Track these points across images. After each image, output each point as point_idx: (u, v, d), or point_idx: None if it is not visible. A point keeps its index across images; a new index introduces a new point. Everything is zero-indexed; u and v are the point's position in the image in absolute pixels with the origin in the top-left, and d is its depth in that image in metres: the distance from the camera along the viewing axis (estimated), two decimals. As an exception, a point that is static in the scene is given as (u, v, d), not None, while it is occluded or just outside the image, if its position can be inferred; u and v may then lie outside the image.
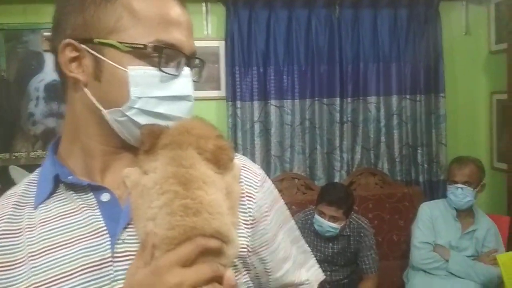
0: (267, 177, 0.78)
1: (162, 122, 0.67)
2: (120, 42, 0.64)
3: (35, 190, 0.69)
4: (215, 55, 2.97)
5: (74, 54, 0.66)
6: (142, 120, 0.66)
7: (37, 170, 0.73)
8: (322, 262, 2.46)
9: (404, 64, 3.11)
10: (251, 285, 0.73)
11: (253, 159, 2.97)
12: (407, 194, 3.05)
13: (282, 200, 0.81)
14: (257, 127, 2.99)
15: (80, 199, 0.66)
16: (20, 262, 0.62)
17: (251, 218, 0.71)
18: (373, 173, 3.12)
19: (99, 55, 0.65)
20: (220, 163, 0.65)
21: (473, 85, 3.28)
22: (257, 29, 2.94)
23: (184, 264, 0.56)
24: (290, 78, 3.01)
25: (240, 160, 0.74)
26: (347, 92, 3.08)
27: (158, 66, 0.65)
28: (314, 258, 0.86)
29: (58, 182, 0.68)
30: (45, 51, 2.67)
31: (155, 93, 0.66)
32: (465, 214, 2.45)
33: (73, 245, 0.62)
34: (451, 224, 2.44)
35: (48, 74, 2.77)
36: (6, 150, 2.77)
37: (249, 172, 0.74)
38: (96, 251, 0.62)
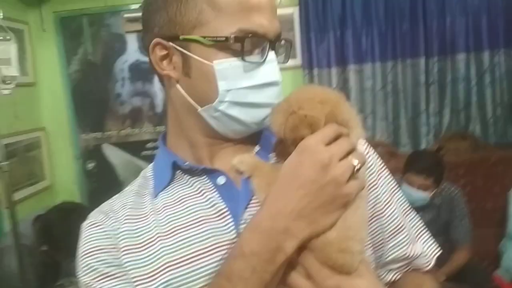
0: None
1: (253, 111, 0.67)
2: (204, 37, 0.64)
3: (151, 183, 0.73)
4: (289, 22, 2.89)
5: (164, 52, 0.67)
6: (235, 112, 0.66)
7: (150, 166, 0.77)
8: (411, 232, 2.37)
9: (496, 16, 2.82)
10: (372, 259, 0.73)
11: (332, 127, 2.90)
12: (503, 157, 2.82)
13: (387, 169, 0.77)
14: (336, 94, 2.89)
15: (198, 182, 0.69)
16: (149, 243, 0.65)
17: None
18: (463, 136, 2.92)
19: (186, 52, 0.65)
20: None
21: None
22: (332, -9, 2.80)
23: (327, 143, 0.57)
24: (370, 40, 2.87)
25: None
26: (432, 50, 2.86)
27: (242, 56, 0.64)
28: (427, 232, 0.79)
29: (175, 169, 0.71)
30: (127, 32, 2.77)
31: (242, 84, 0.65)
32: None
33: (201, 225, 0.65)
34: (556, 191, 2.22)
35: (131, 55, 2.88)
36: (99, 130, 2.96)
37: None
38: (223, 233, 0.64)
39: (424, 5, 2.81)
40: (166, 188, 0.70)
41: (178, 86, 0.68)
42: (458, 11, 2.83)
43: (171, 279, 0.62)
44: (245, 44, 0.63)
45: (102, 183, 2.93)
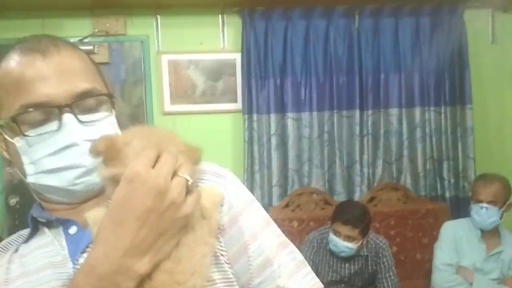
0: (236, 179, 0.75)
1: (61, 175, 0.68)
2: (3, 119, 0.69)
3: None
4: (231, 67, 2.93)
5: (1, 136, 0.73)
6: (46, 181, 0.69)
7: None
8: (339, 283, 2.37)
9: (428, 75, 2.99)
10: None
11: (269, 173, 2.92)
12: (432, 210, 2.92)
13: (258, 203, 0.75)
14: (274, 140, 2.92)
15: (54, 233, 0.72)
16: None
17: (220, 225, 0.69)
18: (395, 188, 3.00)
19: (4, 134, 0.71)
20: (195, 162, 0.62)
21: (501, 95, 3.12)
22: (274, 41, 2.89)
23: (153, 165, 0.55)
24: (308, 90, 2.94)
25: (205, 165, 0.72)
26: (367, 104, 2.98)
27: (21, 134, 0.67)
28: (309, 267, 0.74)
29: (35, 223, 0.74)
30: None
31: (42, 154, 0.68)
32: (490, 234, 2.31)
33: (45, 271, 0.67)
34: (475, 245, 2.31)
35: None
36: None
37: (212, 177, 0.72)
38: (63, 278, 0.66)
39: (360, 60, 2.94)
40: (28, 241, 0.73)
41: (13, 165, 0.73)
42: (392, 68, 2.97)
43: None
44: (31, 117, 0.66)
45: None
